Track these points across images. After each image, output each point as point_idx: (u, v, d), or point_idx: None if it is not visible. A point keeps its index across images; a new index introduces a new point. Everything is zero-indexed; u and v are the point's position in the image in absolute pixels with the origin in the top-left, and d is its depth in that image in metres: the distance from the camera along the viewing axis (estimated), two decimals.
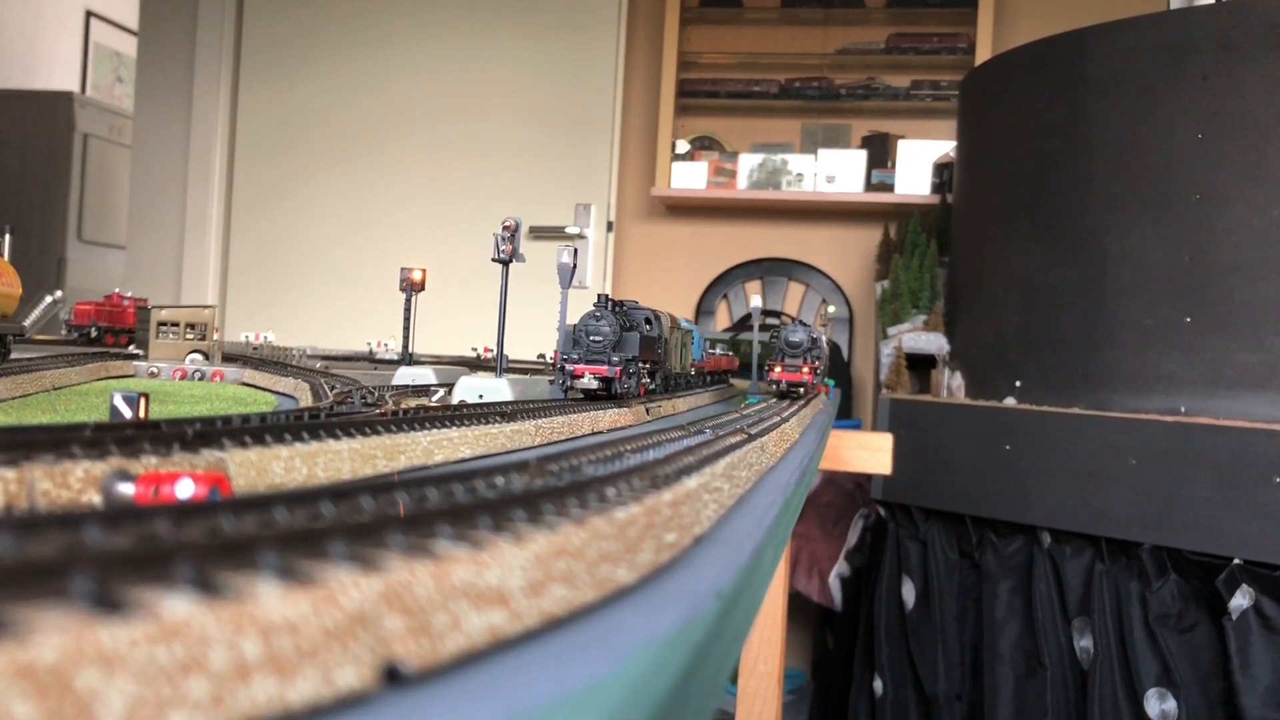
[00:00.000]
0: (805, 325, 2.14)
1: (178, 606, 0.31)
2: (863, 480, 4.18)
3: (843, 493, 4.34)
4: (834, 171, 5.03)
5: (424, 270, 2.30)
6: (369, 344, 3.50)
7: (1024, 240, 3.62)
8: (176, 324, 2.14)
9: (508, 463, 0.66)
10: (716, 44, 5.36)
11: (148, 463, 0.64)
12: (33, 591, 0.31)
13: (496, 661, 0.41)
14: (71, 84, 8.04)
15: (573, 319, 1.63)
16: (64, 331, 2.86)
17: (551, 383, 1.86)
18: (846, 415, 4.98)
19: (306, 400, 1.58)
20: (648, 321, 1.72)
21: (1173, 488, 2.89)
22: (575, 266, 1.72)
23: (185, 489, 0.54)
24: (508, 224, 1.70)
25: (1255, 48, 3.04)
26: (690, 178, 5.14)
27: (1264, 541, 2.71)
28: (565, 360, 1.57)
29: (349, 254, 5.53)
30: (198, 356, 2.11)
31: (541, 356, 3.42)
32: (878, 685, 3.59)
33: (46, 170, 7.06)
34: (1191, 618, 2.85)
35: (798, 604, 4.31)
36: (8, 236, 2.49)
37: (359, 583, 0.37)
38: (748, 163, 5.13)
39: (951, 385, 3.90)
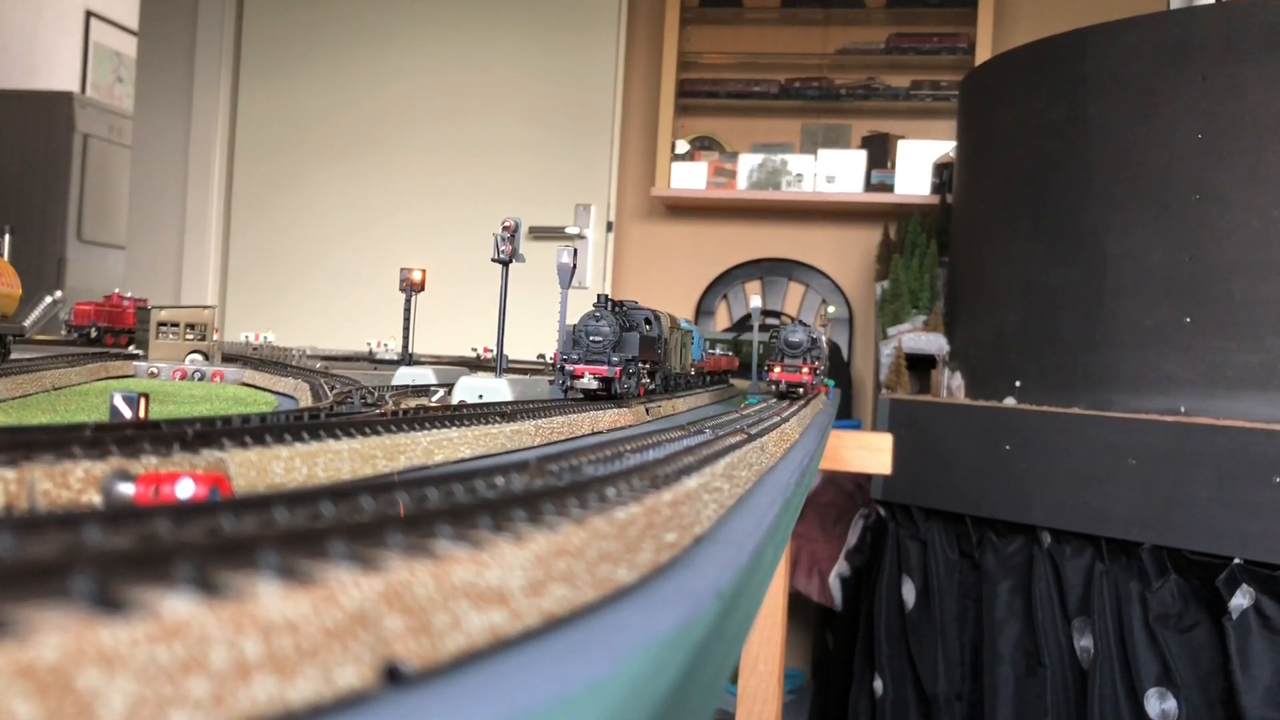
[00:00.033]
0: (805, 325, 2.14)
1: (178, 606, 0.31)
2: (863, 480, 4.18)
3: (843, 493, 4.34)
4: (834, 171, 5.03)
5: (424, 270, 2.30)
6: (369, 344, 3.50)
7: (1024, 240, 3.62)
8: (176, 324, 2.14)
9: (508, 463, 0.66)
10: (716, 44, 5.36)
11: (148, 463, 0.64)
12: (33, 591, 0.31)
13: (497, 661, 0.41)
14: (71, 84, 8.04)
15: (573, 319, 1.63)
16: (64, 332, 2.86)
17: (551, 383, 1.86)
18: (846, 415, 4.98)
19: (306, 400, 1.58)
20: (647, 322, 1.72)
21: (1173, 488, 2.89)
22: (575, 266, 1.72)
23: (185, 489, 0.54)
24: (507, 224, 1.70)
25: (1255, 48, 3.04)
26: (690, 178, 5.15)
27: (1264, 541, 2.71)
28: (565, 360, 1.57)
29: (349, 254, 5.53)
30: (198, 357, 2.11)
31: (541, 356, 3.42)
32: (878, 685, 3.59)
33: (46, 170, 7.06)
34: (1191, 618, 2.85)
35: (798, 604, 4.31)
36: (8, 236, 2.49)
37: (359, 582, 0.37)
38: (748, 163, 5.13)
39: (951, 385, 3.90)
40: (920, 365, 4.16)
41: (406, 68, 5.53)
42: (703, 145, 5.36)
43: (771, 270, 5.32)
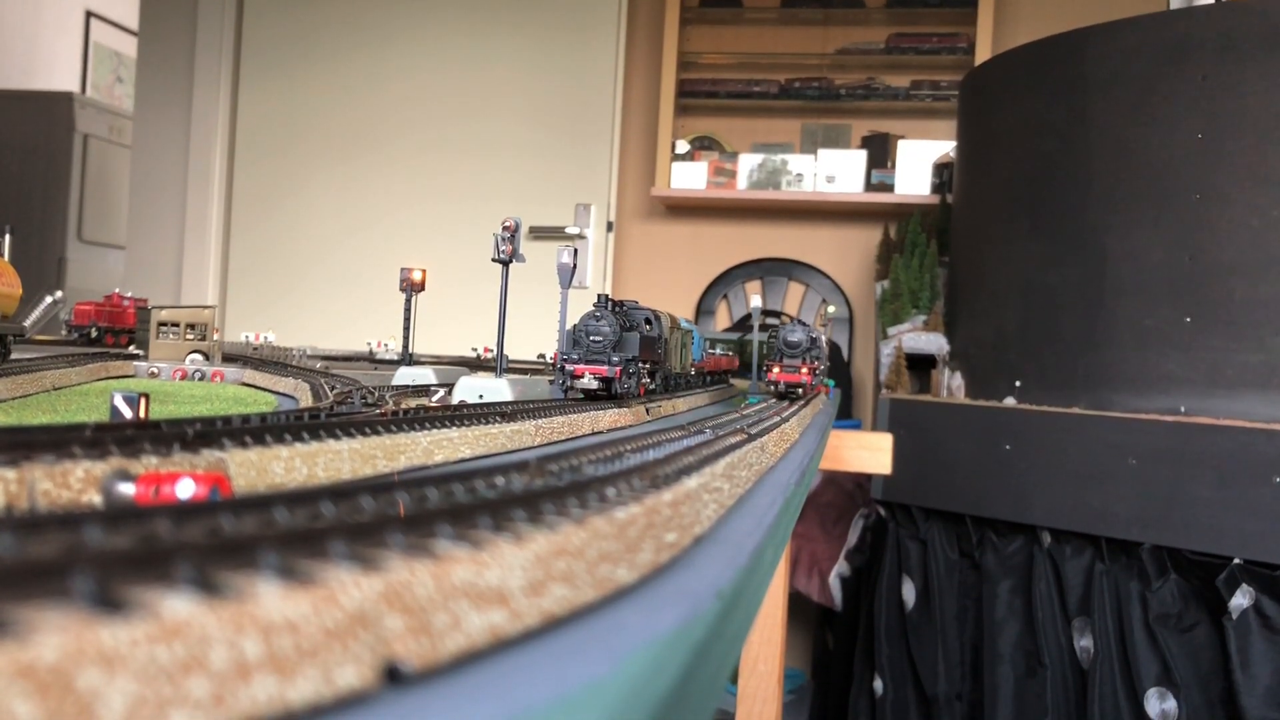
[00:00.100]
0: (804, 325, 2.13)
1: (178, 606, 0.31)
2: (863, 480, 4.18)
3: (843, 493, 4.34)
4: (834, 171, 5.03)
5: (424, 270, 2.30)
6: (369, 344, 3.50)
7: (1024, 240, 3.62)
8: (176, 324, 2.14)
9: (508, 463, 0.67)
10: (716, 44, 5.36)
11: (148, 463, 0.64)
12: (33, 591, 0.31)
13: (496, 661, 0.41)
14: (71, 84, 8.04)
15: (573, 319, 1.63)
16: (64, 332, 2.86)
17: (551, 383, 1.86)
18: (846, 415, 4.98)
19: (306, 400, 1.58)
20: (648, 321, 1.72)
21: (1173, 488, 2.89)
22: (575, 266, 1.72)
23: (185, 489, 0.54)
24: (508, 224, 1.70)
25: (1255, 48, 3.04)
26: (690, 178, 5.15)
27: (1264, 541, 2.71)
28: (565, 360, 1.57)
29: (349, 254, 5.53)
30: (198, 357, 2.11)
31: (541, 356, 3.42)
32: (878, 685, 3.59)
33: (46, 170, 7.06)
34: (1191, 617, 2.85)
35: (798, 604, 4.31)
36: (8, 236, 2.49)
37: (359, 582, 0.37)
38: (748, 163, 5.13)
39: (951, 385, 3.90)
40: (920, 365, 4.16)
41: (406, 68, 5.53)
42: (703, 145, 5.36)
43: (771, 270, 5.32)
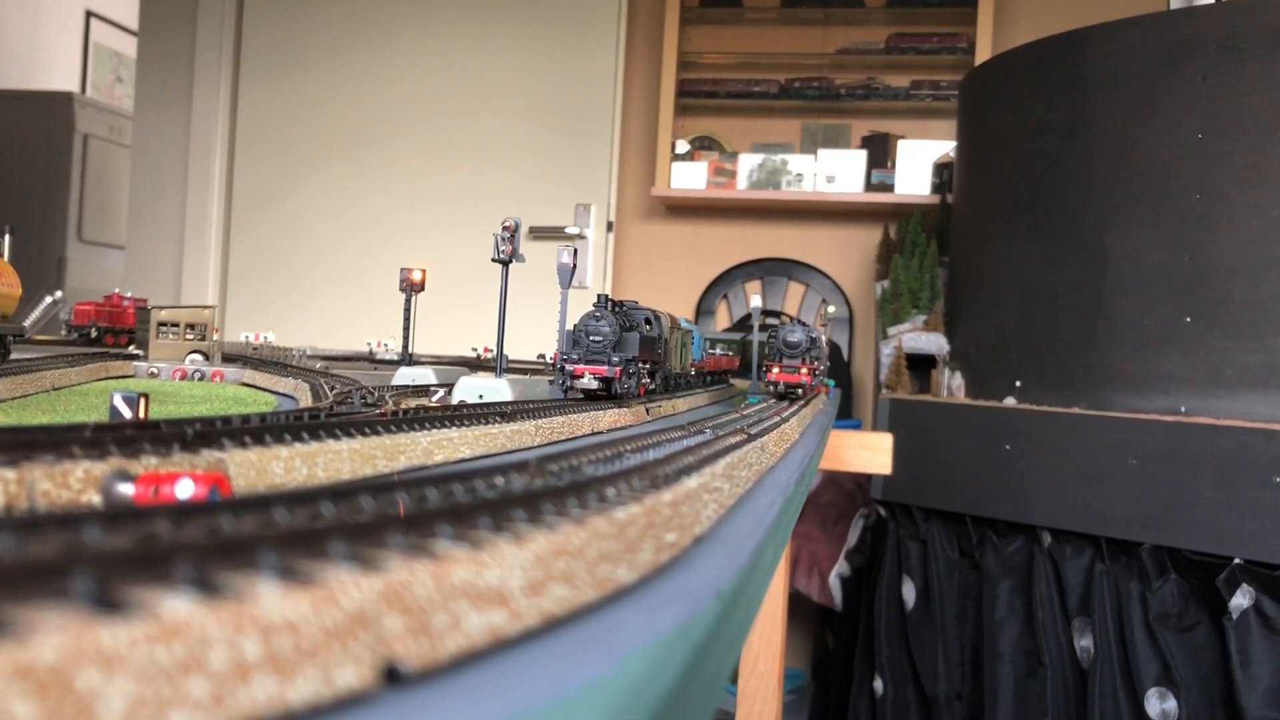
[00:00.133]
0: (804, 325, 2.12)
1: (178, 606, 0.31)
2: (863, 480, 4.18)
3: (843, 493, 4.34)
4: (834, 171, 5.03)
5: (424, 270, 2.30)
6: (369, 344, 3.50)
7: (1024, 240, 3.62)
8: (176, 324, 2.14)
9: (508, 463, 0.66)
10: (716, 44, 5.36)
11: (148, 463, 0.64)
12: (33, 591, 0.31)
13: (496, 661, 0.41)
14: (71, 84, 8.04)
15: (573, 319, 1.63)
16: (64, 332, 2.86)
17: (551, 383, 1.86)
18: (846, 415, 4.98)
19: (306, 400, 1.58)
20: (648, 322, 1.72)
21: (1173, 488, 2.89)
22: (575, 266, 1.72)
23: (185, 489, 0.54)
24: (507, 224, 1.70)
25: (1255, 48, 3.04)
26: (690, 178, 5.15)
27: (1264, 541, 2.71)
28: (565, 360, 1.57)
29: (349, 254, 5.53)
30: (198, 357, 2.11)
31: (541, 356, 3.42)
32: (878, 685, 3.59)
33: (46, 170, 7.06)
34: (1192, 617, 2.85)
35: (798, 604, 4.31)
36: (8, 236, 2.49)
37: (359, 582, 0.37)
38: (748, 163, 5.13)
39: (951, 385, 3.90)
40: (920, 365, 4.16)
41: (406, 68, 5.53)
42: (703, 145, 5.36)
43: (771, 270, 5.32)
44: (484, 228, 2.66)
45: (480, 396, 1.60)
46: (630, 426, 1.54)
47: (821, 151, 5.08)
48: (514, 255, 1.70)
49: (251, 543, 0.39)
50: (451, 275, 4.82)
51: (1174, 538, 2.87)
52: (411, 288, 2.28)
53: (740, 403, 1.97)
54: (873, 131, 5.12)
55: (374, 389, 1.47)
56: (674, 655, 0.44)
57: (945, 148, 4.89)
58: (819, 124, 5.25)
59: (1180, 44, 3.18)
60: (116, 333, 2.79)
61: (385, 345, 3.42)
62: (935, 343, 4.07)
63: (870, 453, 3.15)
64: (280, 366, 2.09)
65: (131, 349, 2.48)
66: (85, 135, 7.12)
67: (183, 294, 5.66)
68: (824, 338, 2.47)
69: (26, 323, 2.90)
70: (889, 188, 4.99)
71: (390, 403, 1.25)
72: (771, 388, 2.05)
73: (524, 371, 2.56)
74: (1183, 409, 3.07)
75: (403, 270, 2.27)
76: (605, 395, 1.57)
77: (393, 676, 0.37)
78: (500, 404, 1.32)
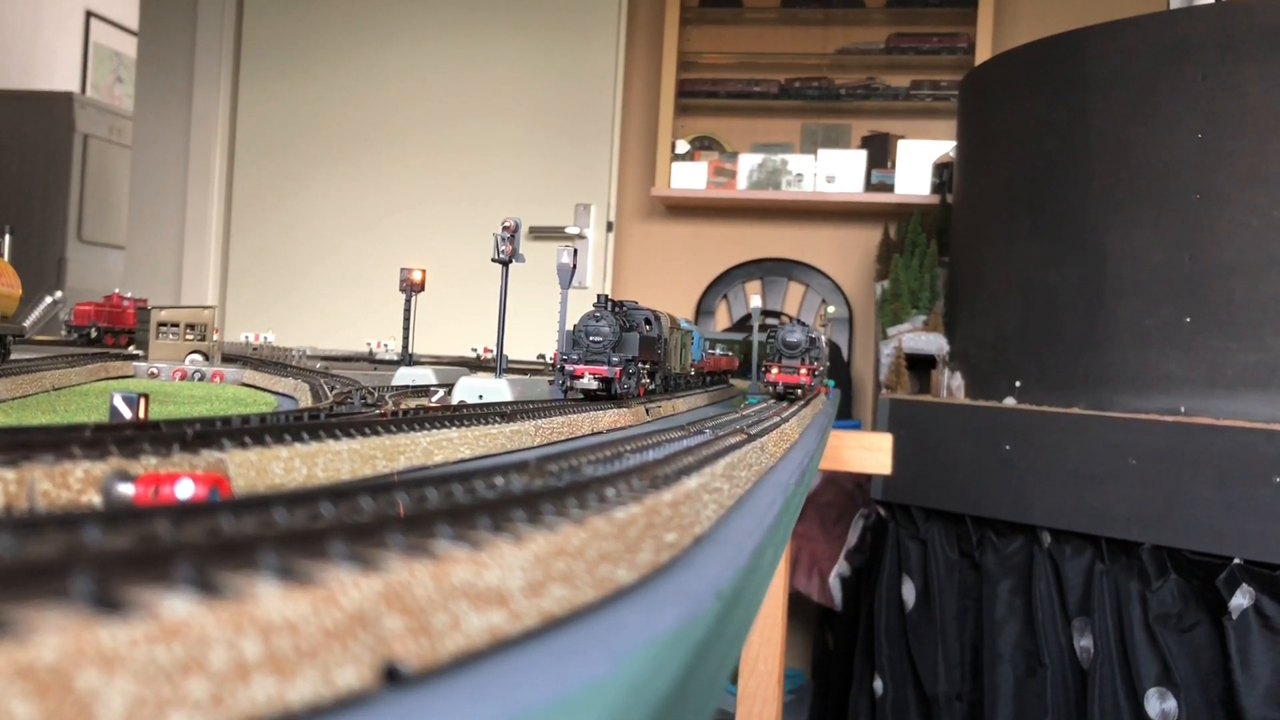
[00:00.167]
0: (803, 325, 2.12)
1: (178, 606, 0.31)
2: (863, 480, 4.18)
3: (843, 493, 4.34)
4: (834, 171, 5.03)
5: (424, 271, 2.30)
6: (369, 344, 3.50)
7: (1024, 240, 3.62)
8: (176, 324, 2.14)
9: (507, 463, 0.66)
10: (716, 44, 5.36)
11: (147, 463, 0.64)
12: (33, 591, 0.31)
13: (496, 661, 0.41)
14: (71, 84, 8.04)
15: (573, 319, 1.63)
16: (64, 332, 2.86)
17: (551, 383, 1.86)
18: (846, 415, 4.98)
19: (306, 401, 1.58)
20: (647, 322, 1.72)
21: (1173, 488, 2.89)
22: (575, 267, 1.72)
23: (185, 489, 0.54)
24: (507, 224, 1.70)
25: (1255, 48, 3.04)
26: (690, 178, 5.15)
27: (1264, 541, 2.71)
28: (565, 361, 1.57)
29: (349, 254, 5.54)
30: (198, 357, 2.11)
31: (541, 357, 3.42)
32: (878, 685, 3.59)
33: (46, 170, 7.06)
34: (1191, 617, 2.85)
35: (798, 604, 4.31)
36: (8, 236, 2.49)
37: (359, 583, 0.37)
38: (748, 163, 5.13)
39: (951, 385, 3.90)
40: (920, 365, 4.16)
41: (406, 68, 5.53)
42: (703, 145, 5.36)
43: (771, 270, 5.32)
44: (484, 228, 2.66)
45: (480, 397, 1.60)
46: (630, 427, 1.54)
47: (821, 151, 5.08)
48: (514, 255, 1.70)
49: (251, 543, 0.39)
50: (451, 275, 4.82)
51: (1174, 538, 2.87)
52: (411, 288, 2.28)
53: (740, 403, 1.97)
54: (873, 131, 5.12)
55: (374, 389, 1.47)
56: (674, 655, 0.44)
57: (945, 148, 4.89)
58: (819, 124, 5.25)
59: (1180, 44, 3.18)
60: (116, 333, 2.79)
61: (385, 345, 3.42)
62: (935, 343, 4.07)
63: (870, 453, 3.15)
64: (280, 367, 2.09)
65: (131, 349, 2.48)
66: (85, 135, 7.12)
67: (183, 294, 5.66)
68: (824, 338, 2.47)
69: (26, 323, 2.90)
70: (889, 188, 4.99)
71: (390, 403, 1.25)
72: (770, 388, 2.05)
73: (524, 372, 2.56)
74: (1183, 409, 3.07)
75: (403, 270, 2.27)
76: (605, 395, 1.57)
77: (393, 676, 0.37)
78: (500, 404, 1.32)
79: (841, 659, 4.05)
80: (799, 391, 2.04)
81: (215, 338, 2.17)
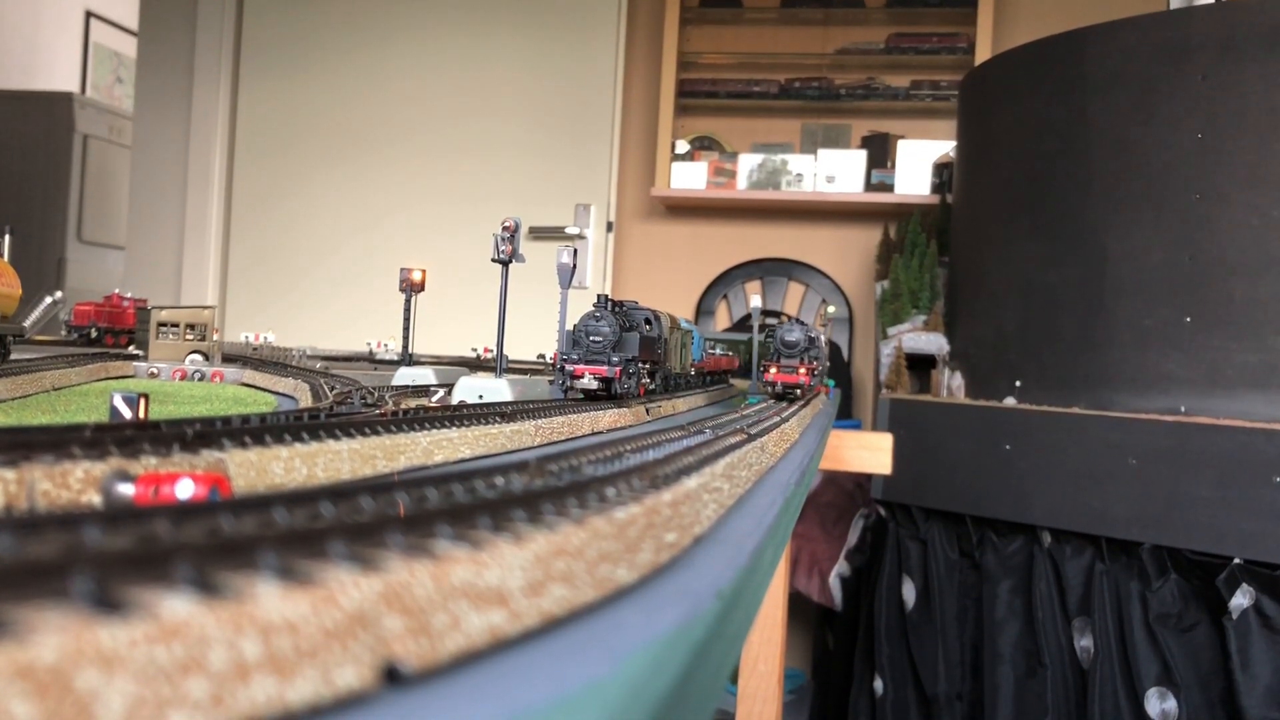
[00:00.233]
0: (802, 324, 2.11)
1: (177, 606, 0.31)
2: (863, 480, 4.18)
3: (843, 492, 4.34)
4: (834, 171, 5.03)
5: (424, 271, 2.30)
6: (369, 344, 3.50)
7: (1024, 240, 3.62)
8: (176, 324, 2.14)
9: (508, 463, 0.66)
10: (716, 44, 5.36)
11: (147, 463, 0.64)
12: (33, 591, 0.31)
13: (496, 661, 0.41)
14: (71, 84, 8.04)
15: (573, 319, 1.63)
16: (64, 332, 2.86)
17: (551, 383, 1.86)
18: (846, 415, 4.98)
19: (306, 400, 1.58)
20: (647, 322, 1.72)
21: (1173, 488, 2.89)
22: (575, 267, 1.72)
23: (185, 489, 0.54)
24: (507, 224, 1.70)
25: (1255, 48, 3.04)
26: (690, 178, 5.15)
27: (1264, 541, 2.71)
28: (565, 361, 1.57)
29: (349, 255, 5.54)
30: (197, 357, 2.11)
31: (541, 357, 3.42)
32: (878, 685, 3.59)
33: (46, 170, 7.06)
34: (1192, 617, 2.85)
35: (798, 604, 4.31)
36: (8, 237, 2.49)
37: (359, 583, 0.37)
38: (747, 163, 5.13)
39: (951, 385, 3.90)
40: (920, 365, 4.16)
41: (406, 68, 5.53)
42: (703, 145, 5.36)
43: (771, 270, 5.32)
44: (484, 228, 2.66)
45: (480, 397, 1.60)
46: (630, 426, 1.54)
47: (821, 151, 5.08)
48: (514, 255, 1.70)
49: (251, 543, 0.39)
50: (451, 275, 4.82)
51: (1174, 538, 2.87)
52: (411, 288, 2.28)
53: (740, 403, 1.97)
54: (873, 131, 5.12)
55: (374, 389, 1.47)
56: (674, 655, 0.44)
57: (945, 148, 4.89)
58: (819, 124, 5.25)
59: (1180, 44, 3.18)
60: (116, 333, 2.79)
61: (385, 345, 3.42)
62: (935, 343, 4.07)
63: (870, 453, 3.15)
64: (280, 366, 2.09)
65: (131, 349, 2.48)
66: (85, 135, 7.12)
67: (183, 294, 5.66)
68: (823, 337, 2.47)
69: (26, 323, 2.90)
70: (889, 188, 4.99)
71: (390, 403, 1.25)
72: (769, 388, 2.04)
73: (524, 372, 2.56)
74: (1183, 409, 3.07)
75: (403, 270, 2.27)
76: (605, 395, 1.57)
77: (392, 676, 0.37)
78: (500, 404, 1.32)
79: (841, 659, 4.05)
80: (798, 391, 2.03)
81: (215, 338, 2.17)
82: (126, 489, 0.55)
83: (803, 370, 2.00)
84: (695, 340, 2.32)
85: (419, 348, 2.70)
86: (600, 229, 5.32)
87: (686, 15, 5.21)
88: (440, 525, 0.47)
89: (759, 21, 5.31)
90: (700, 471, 0.77)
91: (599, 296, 1.63)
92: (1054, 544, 3.16)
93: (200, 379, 1.98)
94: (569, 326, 1.62)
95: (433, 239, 5.42)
